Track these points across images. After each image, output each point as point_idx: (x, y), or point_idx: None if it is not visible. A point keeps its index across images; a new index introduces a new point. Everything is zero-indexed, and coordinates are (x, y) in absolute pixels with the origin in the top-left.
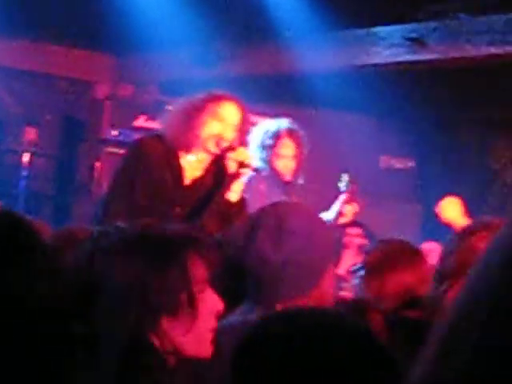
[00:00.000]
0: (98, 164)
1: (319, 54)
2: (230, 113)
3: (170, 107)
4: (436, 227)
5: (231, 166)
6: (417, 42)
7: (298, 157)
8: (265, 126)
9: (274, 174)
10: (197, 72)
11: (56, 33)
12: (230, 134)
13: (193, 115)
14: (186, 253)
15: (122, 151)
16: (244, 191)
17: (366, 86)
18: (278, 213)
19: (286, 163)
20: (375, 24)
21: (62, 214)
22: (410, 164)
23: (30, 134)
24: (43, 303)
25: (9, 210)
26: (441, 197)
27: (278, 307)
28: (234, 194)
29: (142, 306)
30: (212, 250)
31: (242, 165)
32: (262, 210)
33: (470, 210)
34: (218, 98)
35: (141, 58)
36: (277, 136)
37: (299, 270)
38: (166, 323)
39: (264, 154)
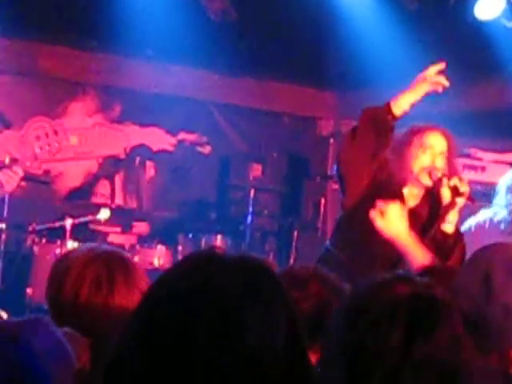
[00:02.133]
0: (323, 200)
1: None
2: (435, 142)
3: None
4: None
5: (446, 196)
6: None
7: None
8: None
9: None
10: (423, 107)
11: (280, 72)
12: (439, 163)
13: (401, 150)
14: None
15: None
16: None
17: None
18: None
19: None
20: None
21: (285, 250)
22: None
23: (256, 170)
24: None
25: (252, 257)
26: None
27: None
28: (449, 225)
29: None
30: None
31: (456, 193)
32: (493, 252)
33: None
34: (422, 130)
35: (363, 94)
36: None
37: None
38: None
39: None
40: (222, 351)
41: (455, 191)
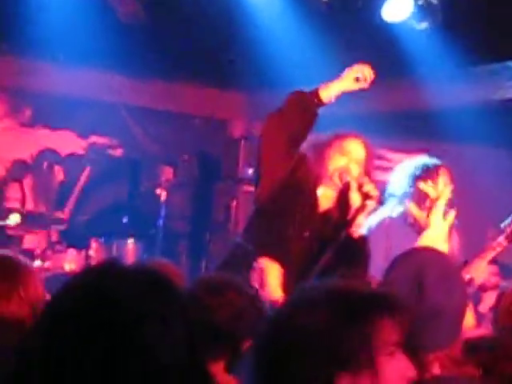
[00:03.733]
0: (234, 202)
1: (454, 89)
2: (354, 148)
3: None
4: None
5: (355, 200)
6: None
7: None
8: (415, 162)
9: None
10: (331, 109)
11: (190, 72)
12: (354, 169)
13: (321, 151)
14: (375, 313)
15: None
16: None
17: (501, 120)
18: (443, 261)
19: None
20: (510, 59)
21: (197, 253)
22: None
23: (167, 173)
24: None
25: (149, 267)
26: None
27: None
28: (357, 227)
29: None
30: (404, 312)
31: (366, 197)
32: (425, 254)
33: None
34: (344, 135)
35: (275, 95)
36: (434, 171)
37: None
38: (346, 381)
39: (409, 194)
40: (120, 366)
41: (365, 195)
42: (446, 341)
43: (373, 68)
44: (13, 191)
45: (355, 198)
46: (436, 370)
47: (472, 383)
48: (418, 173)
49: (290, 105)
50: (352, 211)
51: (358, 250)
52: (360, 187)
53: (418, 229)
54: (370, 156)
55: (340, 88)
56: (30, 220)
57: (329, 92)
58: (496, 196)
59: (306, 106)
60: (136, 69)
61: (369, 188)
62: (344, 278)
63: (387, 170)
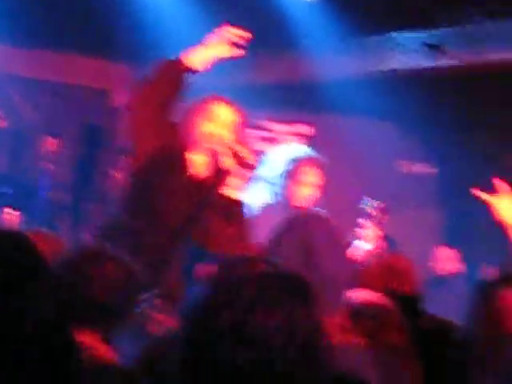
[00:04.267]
0: (116, 173)
1: (338, 61)
2: (223, 113)
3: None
4: (455, 235)
5: (227, 163)
6: (435, 48)
7: (319, 186)
8: (285, 151)
9: (292, 199)
10: (213, 80)
11: (72, 42)
12: (225, 133)
13: (190, 117)
14: None
15: None
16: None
17: (386, 92)
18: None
19: (305, 191)
20: (394, 30)
21: (80, 222)
22: (431, 169)
23: (50, 143)
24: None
25: (13, 231)
26: (460, 203)
27: None
28: (232, 191)
29: None
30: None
31: (239, 162)
32: (313, 223)
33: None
34: (212, 100)
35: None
36: (299, 162)
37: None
38: None
39: (281, 180)
40: None
41: (237, 158)
42: (332, 307)
43: (246, 31)
44: None
45: (227, 163)
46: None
47: (358, 352)
48: (287, 163)
49: (158, 73)
50: (223, 174)
51: (235, 210)
52: (232, 152)
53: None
54: (241, 121)
55: (208, 54)
56: None
57: (195, 58)
58: (381, 167)
59: (174, 74)
60: (19, 38)
61: (241, 152)
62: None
63: (268, 140)
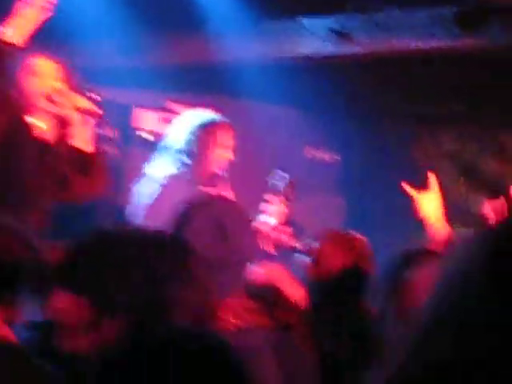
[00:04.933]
0: None
1: (245, 45)
2: (43, 66)
3: (91, 95)
4: (357, 221)
5: (68, 114)
6: (342, 35)
7: (232, 149)
8: (194, 117)
9: (202, 166)
10: (118, 60)
11: None
12: (51, 85)
13: (18, 78)
14: None
15: None
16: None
17: (291, 77)
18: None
19: (222, 154)
20: (301, 15)
21: None
22: (334, 156)
23: None
24: None
25: None
26: (362, 190)
27: None
28: (82, 142)
29: None
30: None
31: (78, 110)
32: (221, 206)
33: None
34: (31, 56)
35: (63, 47)
36: (214, 126)
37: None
38: None
39: (192, 145)
40: None
41: (76, 108)
42: (238, 287)
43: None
44: None
45: (68, 114)
46: (231, 317)
47: (268, 335)
48: (198, 129)
49: None
50: (67, 127)
51: (89, 160)
52: (69, 102)
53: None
54: (66, 69)
55: (21, 23)
56: None
57: (11, 32)
58: (284, 155)
59: None
60: None
61: (77, 101)
62: None
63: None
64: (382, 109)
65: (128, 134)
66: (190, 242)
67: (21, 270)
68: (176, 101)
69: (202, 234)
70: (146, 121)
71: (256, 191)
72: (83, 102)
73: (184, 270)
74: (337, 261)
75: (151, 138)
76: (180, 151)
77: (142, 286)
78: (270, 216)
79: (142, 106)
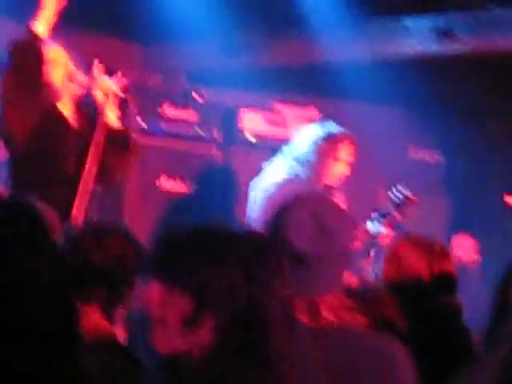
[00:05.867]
0: None
1: (348, 45)
2: (57, 54)
3: (196, 96)
4: (464, 220)
5: (99, 96)
6: (446, 34)
7: (350, 164)
8: (319, 128)
9: (317, 177)
10: (224, 61)
11: (84, 21)
12: (68, 70)
13: (42, 71)
14: None
15: (148, 141)
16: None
17: (395, 77)
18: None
19: (339, 168)
20: (405, 15)
21: None
22: (438, 157)
23: None
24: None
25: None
26: (467, 191)
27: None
28: (110, 118)
29: None
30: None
31: (105, 91)
32: (321, 203)
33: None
34: (44, 47)
35: (168, 48)
36: (336, 139)
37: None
38: None
39: (312, 156)
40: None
41: (105, 89)
42: (336, 284)
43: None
44: None
45: (98, 95)
46: (327, 314)
47: (365, 331)
48: (320, 140)
49: (14, 56)
50: (99, 107)
51: (125, 138)
52: (93, 84)
53: None
54: (72, 54)
55: (46, 16)
56: None
57: (41, 26)
58: (387, 156)
59: (28, 50)
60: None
61: (106, 84)
62: None
63: (279, 124)
64: (486, 107)
65: (232, 135)
66: (289, 233)
67: (123, 266)
68: (280, 101)
69: (301, 226)
70: (251, 122)
71: (362, 194)
72: (107, 83)
73: (280, 272)
74: (413, 261)
75: (255, 139)
76: (298, 159)
77: (241, 285)
78: (380, 225)
79: (246, 107)
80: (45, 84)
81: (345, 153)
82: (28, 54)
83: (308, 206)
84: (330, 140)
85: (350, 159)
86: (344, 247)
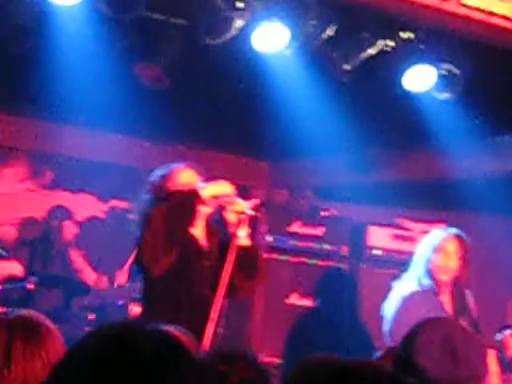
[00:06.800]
0: None
1: (473, 160)
2: (186, 177)
3: (324, 212)
4: None
5: (231, 219)
6: None
7: (463, 258)
8: (436, 235)
9: (433, 274)
10: (351, 177)
11: (213, 140)
12: (200, 191)
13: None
14: None
15: (277, 257)
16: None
17: None
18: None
19: (447, 261)
20: None
21: None
22: None
23: None
24: None
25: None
26: None
27: None
28: (242, 239)
29: None
30: None
31: (239, 212)
32: (449, 320)
33: None
34: (180, 169)
35: (295, 164)
36: (443, 237)
37: None
38: None
39: (428, 255)
40: None
41: (238, 211)
42: None
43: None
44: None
45: (231, 217)
46: None
47: None
48: (433, 245)
49: (173, 205)
50: (232, 228)
51: (254, 255)
52: (222, 205)
53: None
54: (199, 175)
55: (215, 192)
56: None
57: (207, 192)
58: None
59: (187, 206)
60: (157, 134)
61: (239, 206)
62: None
63: (406, 239)
64: None
65: (360, 251)
66: (418, 355)
67: None
68: (407, 217)
69: (430, 347)
70: (379, 237)
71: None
72: (240, 205)
73: None
74: None
75: (383, 254)
76: (420, 269)
77: None
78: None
79: (374, 223)
80: (189, 239)
81: (452, 245)
82: (185, 208)
83: (437, 328)
84: (441, 236)
85: (459, 253)
86: (473, 373)
